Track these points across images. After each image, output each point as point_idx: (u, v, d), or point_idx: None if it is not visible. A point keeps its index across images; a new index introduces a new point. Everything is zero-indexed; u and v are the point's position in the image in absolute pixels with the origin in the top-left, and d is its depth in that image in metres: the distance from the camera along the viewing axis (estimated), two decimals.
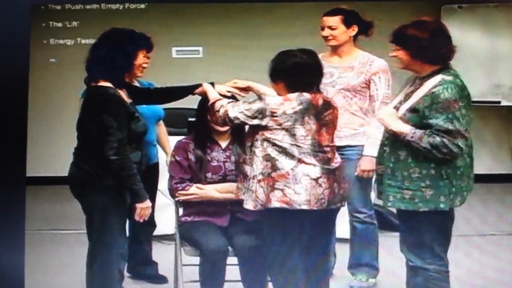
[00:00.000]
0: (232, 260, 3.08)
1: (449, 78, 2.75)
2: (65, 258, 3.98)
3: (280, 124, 2.79)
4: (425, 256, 2.80)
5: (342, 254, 3.68)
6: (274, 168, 2.79)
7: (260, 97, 2.88)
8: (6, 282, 3.32)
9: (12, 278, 3.31)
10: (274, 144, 2.80)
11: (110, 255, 2.98)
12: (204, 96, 3.08)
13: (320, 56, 3.60)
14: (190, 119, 3.33)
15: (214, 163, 3.18)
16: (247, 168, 2.87)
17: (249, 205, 2.84)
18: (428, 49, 2.74)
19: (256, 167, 2.82)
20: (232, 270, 3.10)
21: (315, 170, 2.79)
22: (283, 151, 2.80)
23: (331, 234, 3.16)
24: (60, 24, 4.50)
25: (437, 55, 2.76)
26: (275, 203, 2.78)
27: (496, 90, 5.29)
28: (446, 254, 2.86)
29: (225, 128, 3.13)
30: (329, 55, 3.52)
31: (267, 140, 2.81)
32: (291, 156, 2.79)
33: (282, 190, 2.78)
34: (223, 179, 3.16)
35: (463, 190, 2.79)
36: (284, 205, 2.77)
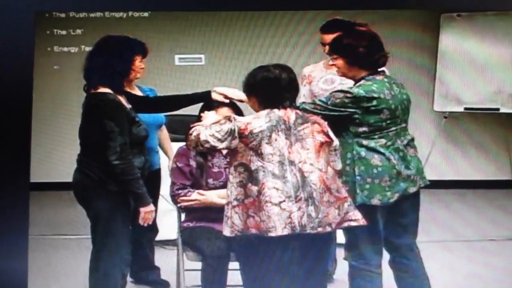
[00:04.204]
0: (233, 265, 3.10)
1: (368, 83, 2.88)
2: (68, 263, 3.99)
3: (247, 145, 2.67)
4: (351, 251, 2.94)
5: (342, 259, 3.70)
6: (246, 195, 2.67)
7: (229, 118, 2.74)
8: (9, 286, 3.33)
9: (16, 283, 3.32)
10: (245, 170, 2.67)
11: (114, 260, 2.99)
12: (205, 102, 3.13)
13: (321, 63, 3.67)
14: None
15: (215, 169, 3.20)
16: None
17: (226, 231, 2.72)
18: (363, 56, 2.88)
19: (231, 193, 2.70)
20: (234, 275, 3.12)
21: (277, 194, 2.63)
22: (251, 175, 2.66)
23: (324, 258, 2.96)
24: (64, 32, 4.54)
25: (371, 61, 2.90)
26: (252, 230, 2.66)
27: (495, 97, 5.30)
28: (375, 253, 2.93)
29: None
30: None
31: (240, 164, 2.69)
32: (256, 181, 2.64)
33: (253, 217, 2.65)
34: (225, 185, 3.16)
35: (386, 190, 2.85)
36: (258, 232, 2.64)
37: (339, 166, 2.85)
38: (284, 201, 2.63)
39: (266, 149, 2.65)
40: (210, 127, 2.73)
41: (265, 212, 2.62)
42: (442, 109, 5.53)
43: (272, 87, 2.72)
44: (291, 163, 2.67)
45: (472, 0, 3.95)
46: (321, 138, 2.74)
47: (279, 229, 2.61)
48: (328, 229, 2.71)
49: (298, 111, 2.76)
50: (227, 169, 3.16)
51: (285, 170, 2.66)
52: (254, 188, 2.65)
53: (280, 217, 2.61)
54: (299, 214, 2.63)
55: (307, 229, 2.64)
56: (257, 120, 2.68)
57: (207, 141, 2.71)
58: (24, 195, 3.37)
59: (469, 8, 5.15)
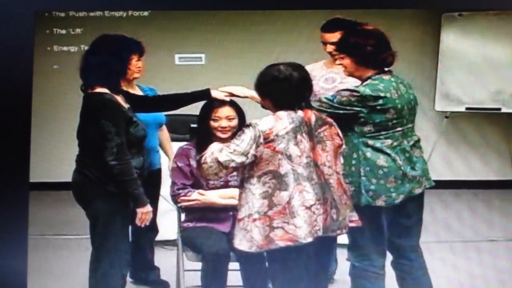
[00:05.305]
0: (233, 265, 3.10)
1: (374, 82, 2.86)
2: (67, 263, 3.99)
3: (274, 149, 2.59)
4: (355, 252, 2.93)
5: (343, 259, 3.69)
6: (271, 205, 2.58)
7: (249, 124, 2.64)
8: (8, 286, 3.33)
9: (15, 283, 3.32)
10: (273, 177, 2.58)
11: (113, 260, 2.99)
12: (207, 102, 3.12)
13: (322, 62, 3.66)
14: (192, 125, 3.35)
15: None
16: (241, 205, 2.65)
17: (243, 245, 2.63)
18: (371, 55, 2.87)
19: (252, 205, 2.60)
20: (234, 275, 3.11)
21: (309, 197, 2.58)
22: (280, 181, 2.58)
23: (328, 260, 3.01)
24: (63, 31, 4.53)
25: (379, 61, 2.89)
26: (279, 243, 2.57)
27: (496, 97, 5.30)
28: (379, 254, 2.93)
29: (227, 135, 3.11)
30: (331, 61, 3.55)
31: (266, 173, 2.59)
32: (285, 187, 2.57)
33: (282, 227, 2.57)
34: (225, 185, 3.18)
35: (391, 191, 2.84)
36: (289, 243, 2.56)
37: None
38: (314, 204, 2.59)
39: (294, 151, 2.59)
40: (227, 146, 2.62)
41: (301, 217, 2.56)
42: (443, 109, 5.52)
43: (283, 88, 2.65)
44: (316, 164, 2.63)
45: (474, 0, 3.95)
46: (338, 140, 2.74)
47: (312, 233, 2.57)
48: (344, 231, 2.72)
49: (315, 112, 2.72)
50: None
51: (312, 172, 2.61)
52: (284, 194, 2.57)
53: (311, 220, 2.58)
54: (323, 216, 2.61)
55: (328, 232, 2.63)
56: (280, 122, 2.61)
57: (232, 160, 2.59)
58: (23, 195, 3.37)
59: (470, 8, 5.14)
